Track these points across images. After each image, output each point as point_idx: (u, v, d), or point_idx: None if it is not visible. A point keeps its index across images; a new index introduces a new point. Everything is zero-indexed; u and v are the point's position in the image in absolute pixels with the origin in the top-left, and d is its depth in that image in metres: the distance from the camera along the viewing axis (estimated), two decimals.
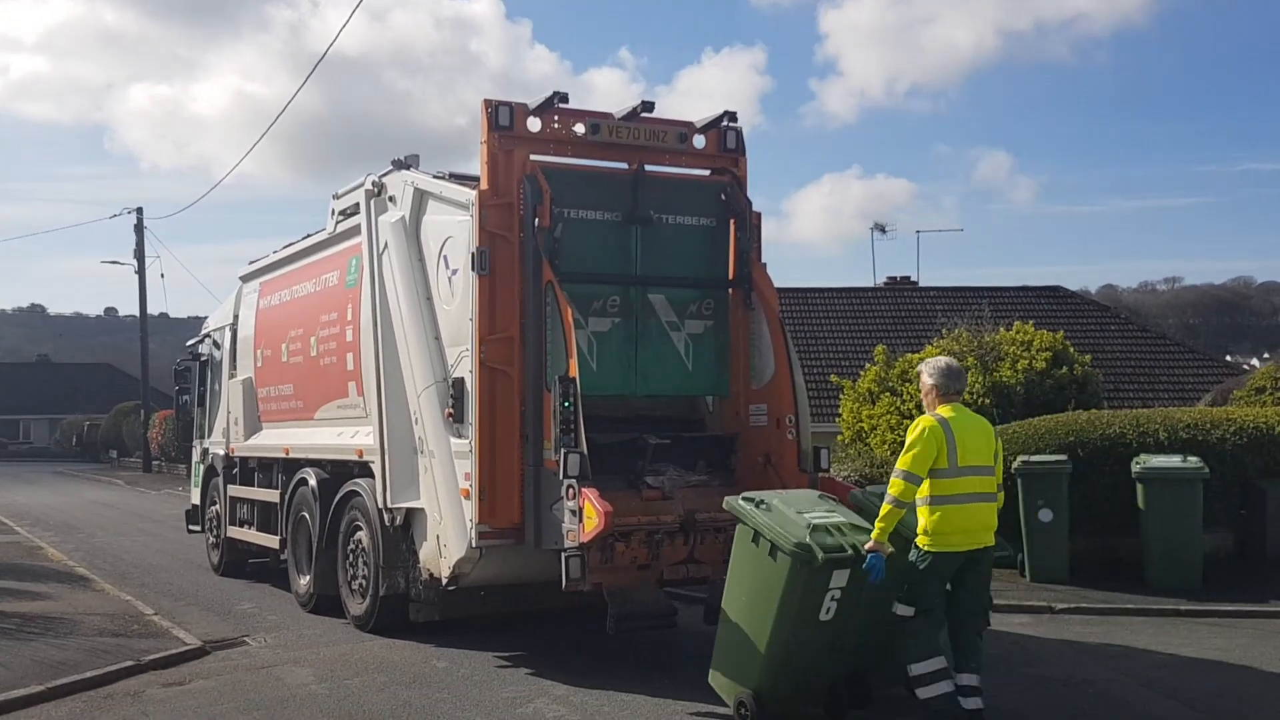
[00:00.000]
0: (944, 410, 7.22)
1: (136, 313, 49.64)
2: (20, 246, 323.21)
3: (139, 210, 46.90)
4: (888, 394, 16.48)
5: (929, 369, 7.43)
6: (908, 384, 16.22)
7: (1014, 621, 10.78)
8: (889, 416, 16.17)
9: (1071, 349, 17.04)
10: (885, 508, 6.96)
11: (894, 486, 6.97)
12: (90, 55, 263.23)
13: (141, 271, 47.03)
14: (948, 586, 7.23)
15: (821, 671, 7.36)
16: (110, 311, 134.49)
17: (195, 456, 16.75)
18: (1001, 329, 17.40)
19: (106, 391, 71.06)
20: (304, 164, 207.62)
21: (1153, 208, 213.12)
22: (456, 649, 9.83)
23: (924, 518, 7.05)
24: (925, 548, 7.04)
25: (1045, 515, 12.30)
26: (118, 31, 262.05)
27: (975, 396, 15.58)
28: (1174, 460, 12.05)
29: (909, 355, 17.03)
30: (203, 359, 16.43)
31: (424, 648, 9.93)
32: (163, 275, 52.64)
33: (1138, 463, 12.14)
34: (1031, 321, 17.81)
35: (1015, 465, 12.49)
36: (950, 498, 7.01)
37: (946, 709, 6.99)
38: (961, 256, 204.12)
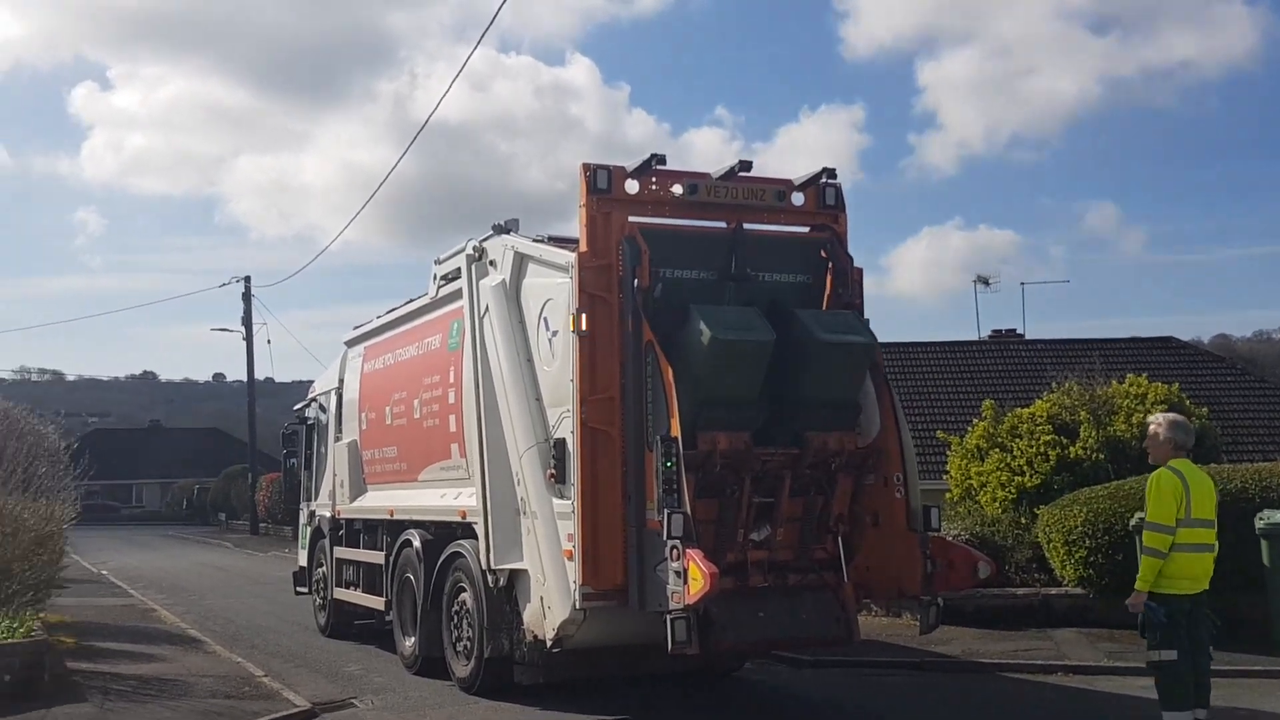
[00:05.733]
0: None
1: (244, 378, 50.92)
2: (133, 316, 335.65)
3: (247, 279, 48.25)
4: (997, 450, 16.10)
5: None
6: (1017, 439, 15.85)
7: (1136, 685, 10.37)
8: (999, 473, 15.79)
9: (1187, 401, 16.52)
10: None
11: None
12: (202, 130, 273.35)
13: (249, 338, 48.28)
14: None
15: None
16: (218, 377, 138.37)
17: (302, 519, 17.00)
18: (1114, 382, 16.95)
19: (215, 455, 72.80)
20: (406, 230, 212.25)
21: (1264, 254, 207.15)
22: (561, 712, 9.75)
23: None
24: None
25: None
26: (228, 106, 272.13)
27: (1089, 451, 15.19)
28: None
29: (1018, 410, 16.65)
30: (309, 423, 16.72)
31: (529, 710, 9.88)
32: (269, 341, 53.94)
33: (1261, 518, 11.67)
34: (1144, 374, 17.33)
35: (1132, 522, 12.08)
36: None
37: None
38: (1068, 308, 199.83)
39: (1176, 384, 17.00)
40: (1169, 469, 7.76)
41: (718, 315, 8.94)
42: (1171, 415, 8.33)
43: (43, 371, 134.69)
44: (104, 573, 26.43)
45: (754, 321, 9.04)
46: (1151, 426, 8.13)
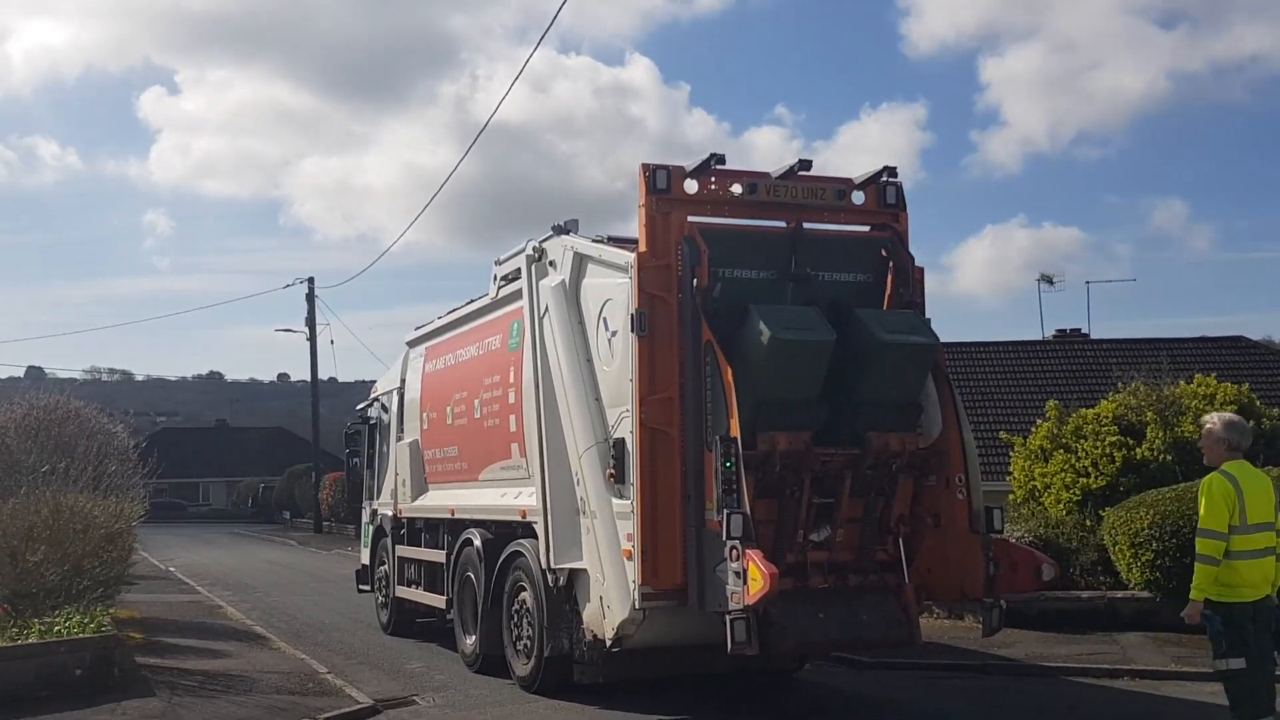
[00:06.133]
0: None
1: (308, 378, 51.46)
2: (200, 316, 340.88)
3: (310, 280, 48.72)
4: (1061, 451, 15.89)
5: None
6: (1082, 440, 15.63)
7: (1203, 690, 10.19)
8: (1063, 474, 15.58)
9: (1258, 402, 16.20)
10: None
11: None
12: (267, 133, 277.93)
13: (313, 338, 48.79)
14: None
15: None
16: (283, 377, 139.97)
17: (365, 517, 17.18)
18: (1181, 382, 16.65)
19: (280, 454, 73.67)
20: (467, 231, 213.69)
21: None
22: (620, 711, 9.77)
23: None
24: None
25: None
26: (293, 110, 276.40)
27: (1156, 453, 14.95)
28: None
29: (1083, 410, 16.41)
30: (371, 422, 16.89)
31: (588, 710, 9.90)
32: (332, 341, 54.68)
33: None
34: (1213, 374, 17.00)
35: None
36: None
37: None
38: (1135, 307, 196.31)
39: (1246, 384, 16.67)
40: (1221, 473, 7.48)
41: (777, 315, 8.91)
42: (1227, 415, 8.09)
43: (112, 371, 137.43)
44: (172, 570, 26.91)
45: (814, 321, 8.99)
46: (1206, 426, 7.86)
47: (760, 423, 8.79)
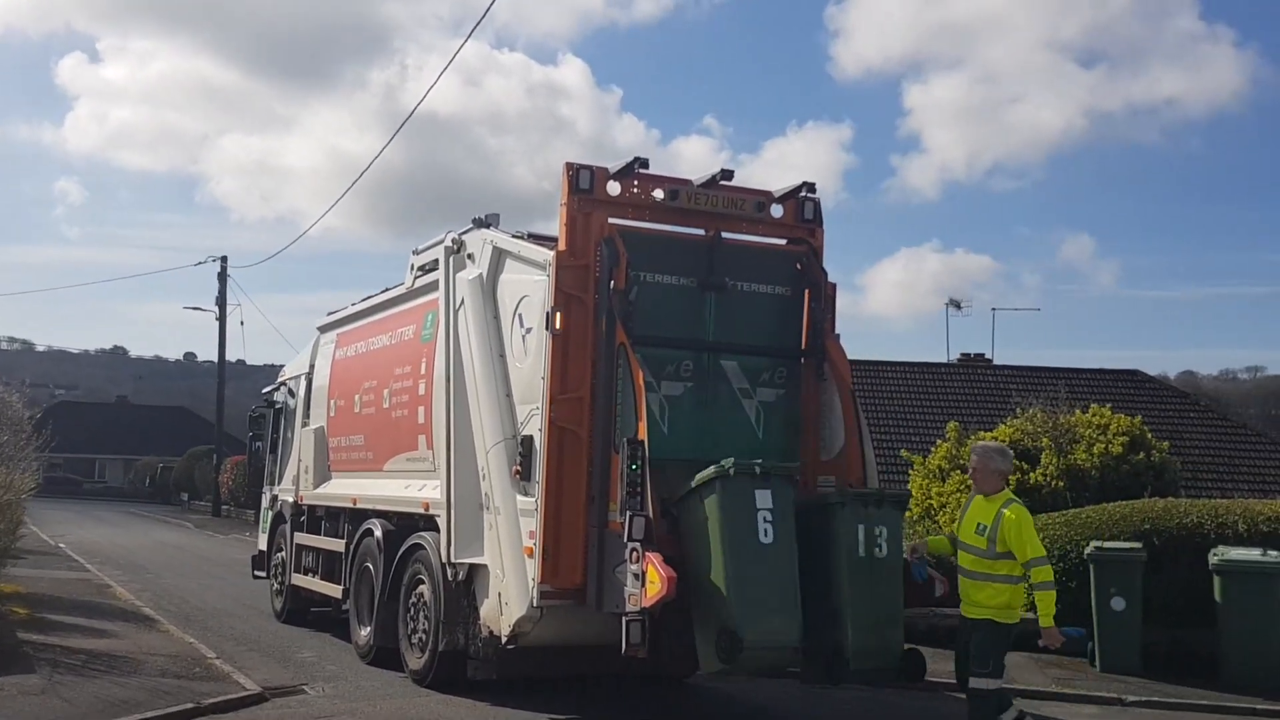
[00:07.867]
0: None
1: (215, 358, 50.71)
2: (107, 289, 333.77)
3: (223, 259, 48.06)
4: (959, 471, 16.25)
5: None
6: None
7: (1083, 712, 10.52)
8: (959, 494, 15.91)
9: (1149, 435, 16.70)
10: None
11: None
12: (188, 108, 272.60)
13: (222, 319, 48.07)
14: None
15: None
16: (189, 356, 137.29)
17: (264, 503, 16.94)
18: (1077, 411, 17.12)
19: (181, 435, 72.30)
20: (389, 219, 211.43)
21: (1235, 295, 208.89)
22: (512, 709, 9.77)
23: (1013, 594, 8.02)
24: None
25: (1118, 603, 12.02)
26: (217, 86, 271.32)
27: (1049, 479, 15.33)
28: (1254, 553, 11.72)
29: (981, 433, 16.80)
30: (277, 406, 16.67)
31: (480, 706, 9.89)
32: (242, 323, 53.89)
33: (1215, 554, 11.83)
34: (1108, 405, 17.50)
35: (1088, 551, 12.24)
36: None
37: None
38: (1038, 337, 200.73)
39: (1139, 417, 17.17)
40: (1020, 503, 8.03)
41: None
42: (996, 444, 8.58)
43: (12, 340, 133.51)
44: (62, 546, 26.24)
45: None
46: (976, 458, 8.35)
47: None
